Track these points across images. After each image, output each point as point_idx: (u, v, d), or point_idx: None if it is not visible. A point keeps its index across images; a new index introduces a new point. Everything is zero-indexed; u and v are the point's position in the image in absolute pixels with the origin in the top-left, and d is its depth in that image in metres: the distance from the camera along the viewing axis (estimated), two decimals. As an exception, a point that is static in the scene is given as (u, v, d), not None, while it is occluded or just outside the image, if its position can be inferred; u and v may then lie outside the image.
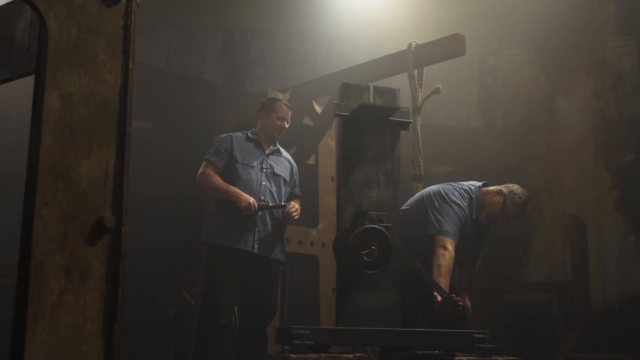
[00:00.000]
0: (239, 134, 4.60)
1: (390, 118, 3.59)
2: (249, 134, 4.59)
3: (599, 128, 6.35)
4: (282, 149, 4.69)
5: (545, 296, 6.43)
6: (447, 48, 4.97)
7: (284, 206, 4.38)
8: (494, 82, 7.51)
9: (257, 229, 4.32)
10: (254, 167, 4.46)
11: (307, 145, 5.88)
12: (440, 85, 5.00)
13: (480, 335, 3.22)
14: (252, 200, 4.26)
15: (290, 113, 4.63)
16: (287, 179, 4.60)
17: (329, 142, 5.96)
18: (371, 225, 3.31)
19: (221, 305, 4.22)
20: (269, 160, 4.53)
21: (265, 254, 4.35)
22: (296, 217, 4.47)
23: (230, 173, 4.41)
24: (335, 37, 7.90)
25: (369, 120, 3.55)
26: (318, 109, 5.98)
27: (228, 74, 7.90)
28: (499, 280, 6.50)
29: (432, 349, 3.29)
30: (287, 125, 4.59)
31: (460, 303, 3.74)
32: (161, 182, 7.23)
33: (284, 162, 4.63)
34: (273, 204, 4.39)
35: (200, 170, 4.45)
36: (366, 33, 7.54)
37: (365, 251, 3.26)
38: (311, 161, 5.92)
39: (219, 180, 4.37)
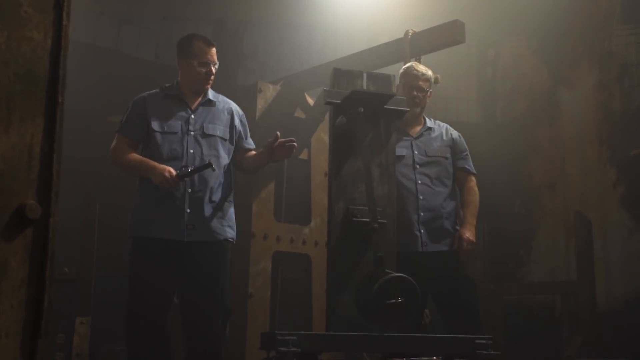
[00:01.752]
0: (155, 91, 3.66)
1: (385, 106, 3.35)
2: (167, 90, 3.64)
3: (604, 121, 6.09)
4: (215, 97, 3.71)
5: (547, 297, 6.19)
6: (445, 35, 4.75)
7: (209, 165, 3.44)
8: (493, 75, 7.27)
9: (187, 210, 3.47)
10: (176, 132, 3.54)
11: (299, 139, 5.62)
12: (438, 75, 4.76)
13: (483, 341, 2.97)
14: (167, 169, 3.39)
15: (214, 51, 3.63)
16: (226, 136, 3.66)
17: (322, 136, 5.73)
18: (398, 275, 3.07)
19: (150, 303, 3.43)
20: (196, 119, 3.59)
21: (203, 239, 3.49)
22: (291, 149, 3.60)
23: (148, 145, 3.56)
24: (329, 29, 7.66)
25: (362, 108, 3.30)
26: (310, 100, 5.75)
27: (219, 67, 7.63)
28: (499, 280, 6.26)
29: (430, 355, 3.05)
30: (214, 69, 3.62)
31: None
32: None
33: (218, 114, 3.66)
34: (193, 167, 3.48)
35: (112, 145, 3.59)
36: (362, 25, 7.31)
37: (391, 301, 2.99)
38: (303, 156, 5.69)
39: (131, 155, 3.52)
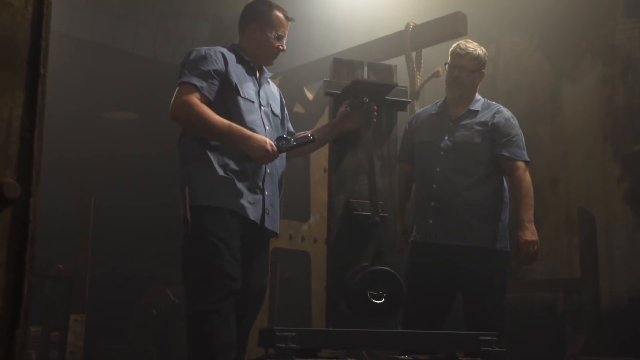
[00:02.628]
0: (226, 47, 3.11)
1: (387, 97, 3.27)
2: (239, 51, 3.12)
3: (607, 116, 6.01)
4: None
5: (549, 295, 6.10)
6: (447, 28, 4.66)
7: (312, 139, 3.05)
8: (494, 71, 7.17)
9: (265, 192, 3.02)
10: (253, 102, 3.06)
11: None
12: (440, 69, 4.67)
13: (488, 338, 2.89)
14: (268, 141, 2.90)
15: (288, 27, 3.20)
16: (282, 119, 3.27)
17: (321, 131, 5.64)
18: (382, 268, 2.97)
19: (230, 284, 2.82)
20: (262, 93, 3.16)
21: (271, 227, 3.08)
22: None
23: (226, 110, 2.95)
24: (329, 24, 7.58)
25: (367, 98, 3.22)
26: (309, 95, 5.67)
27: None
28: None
29: (433, 352, 2.97)
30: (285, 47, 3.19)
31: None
32: (146, 176, 6.93)
33: (274, 94, 3.28)
34: (295, 140, 3.02)
35: (179, 98, 2.86)
36: (362, 21, 7.23)
37: (374, 292, 2.91)
38: (302, 151, 5.59)
39: (213, 115, 2.87)
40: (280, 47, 3.16)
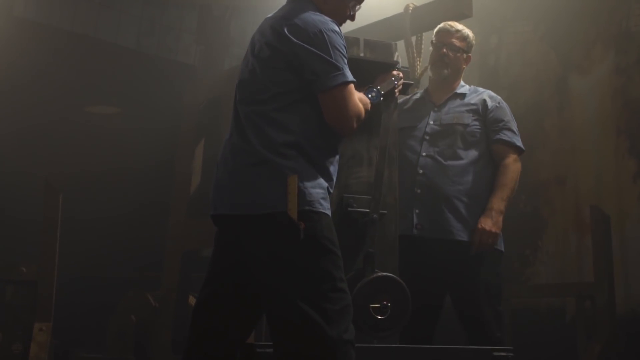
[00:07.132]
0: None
1: (386, 77, 2.89)
2: None
3: (621, 109, 5.65)
4: None
5: (557, 300, 5.72)
6: (450, 9, 4.34)
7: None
8: (496, 63, 6.83)
9: None
10: None
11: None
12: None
13: (503, 354, 2.52)
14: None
15: None
16: None
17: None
18: (384, 274, 2.60)
19: None
20: None
21: None
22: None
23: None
24: (322, 14, 7.23)
25: (358, 80, 2.83)
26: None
27: (205, 55, 7.25)
28: (505, 281, 5.78)
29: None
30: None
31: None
32: (128, 174, 6.64)
33: None
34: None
35: (354, 107, 2.44)
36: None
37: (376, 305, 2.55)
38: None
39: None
40: (352, 16, 2.67)
